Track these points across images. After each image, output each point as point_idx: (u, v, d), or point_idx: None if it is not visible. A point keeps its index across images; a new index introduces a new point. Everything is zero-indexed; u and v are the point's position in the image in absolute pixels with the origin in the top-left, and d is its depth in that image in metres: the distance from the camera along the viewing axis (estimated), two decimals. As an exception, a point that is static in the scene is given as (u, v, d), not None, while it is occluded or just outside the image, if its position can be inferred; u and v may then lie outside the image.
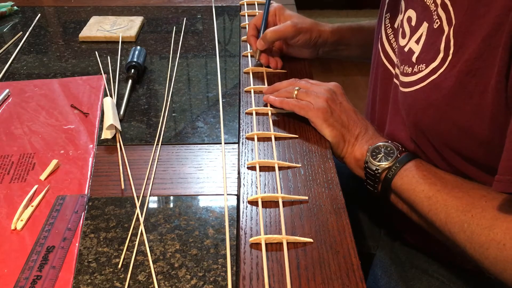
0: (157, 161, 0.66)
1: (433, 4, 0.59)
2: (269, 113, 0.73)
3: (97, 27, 1.00)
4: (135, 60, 0.85)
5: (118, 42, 0.97)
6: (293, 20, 0.84)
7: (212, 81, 0.85)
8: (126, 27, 1.01)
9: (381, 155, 0.63)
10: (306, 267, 0.50)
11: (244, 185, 0.61)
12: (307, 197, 0.58)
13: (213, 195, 0.61)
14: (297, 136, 0.69)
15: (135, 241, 0.54)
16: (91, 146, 0.68)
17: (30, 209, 0.58)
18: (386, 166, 0.62)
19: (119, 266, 0.51)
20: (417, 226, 0.64)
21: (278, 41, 0.86)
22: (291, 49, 0.89)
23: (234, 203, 0.59)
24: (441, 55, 0.56)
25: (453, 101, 0.55)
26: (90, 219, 0.57)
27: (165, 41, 0.98)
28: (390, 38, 0.71)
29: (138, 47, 0.89)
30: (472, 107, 0.54)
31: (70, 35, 1.01)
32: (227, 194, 0.61)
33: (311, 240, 0.53)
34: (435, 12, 0.58)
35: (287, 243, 0.52)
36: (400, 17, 0.68)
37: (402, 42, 0.65)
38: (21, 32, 1.01)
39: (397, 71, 0.66)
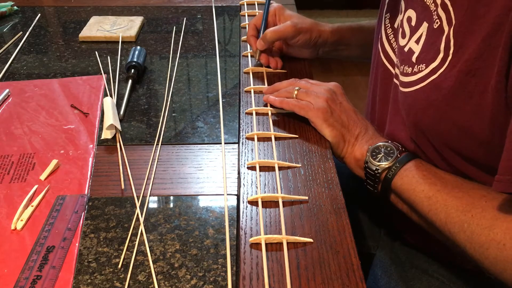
0: (157, 161, 0.66)
1: (433, 4, 0.59)
2: (269, 113, 0.73)
3: (97, 27, 1.00)
4: (135, 60, 0.85)
5: (118, 42, 0.97)
6: (293, 20, 0.84)
7: (212, 81, 0.85)
8: (126, 27, 1.01)
9: (381, 155, 0.63)
10: (306, 267, 0.50)
11: (244, 185, 0.61)
12: (307, 197, 0.58)
13: (213, 195, 0.61)
14: (297, 136, 0.69)
15: (135, 241, 0.54)
16: (91, 146, 0.68)
17: (30, 209, 0.58)
18: (386, 166, 0.62)
19: (119, 266, 0.51)
20: (417, 226, 0.64)
21: (278, 41, 0.86)
22: (291, 49, 0.89)
23: (234, 203, 0.59)
24: (441, 55, 0.56)
25: (453, 101, 0.55)
26: (90, 219, 0.57)
27: (165, 41, 0.98)
28: (390, 38, 0.71)
29: (138, 47, 0.89)
30: (472, 107, 0.54)
31: (70, 35, 1.01)
32: (227, 194, 0.61)
33: (311, 240, 0.53)
34: (435, 12, 0.58)
35: (287, 243, 0.52)
36: (400, 17, 0.68)
37: (402, 42, 0.65)
38: (21, 32, 1.01)
39: (397, 71, 0.66)
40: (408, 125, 0.64)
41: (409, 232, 0.76)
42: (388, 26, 0.72)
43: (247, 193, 0.59)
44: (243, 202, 0.58)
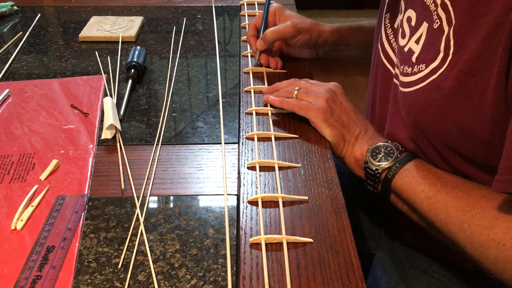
0: (157, 161, 0.66)
1: (433, 4, 0.59)
2: (269, 113, 0.73)
3: (97, 27, 1.00)
4: (135, 60, 0.85)
5: (118, 42, 0.97)
6: (293, 20, 0.84)
7: (212, 81, 0.85)
8: (126, 27, 1.01)
9: (381, 155, 0.63)
10: (306, 267, 0.50)
11: (244, 185, 0.61)
12: (307, 197, 0.58)
13: (213, 195, 0.61)
14: (297, 136, 0.69)
15: (135, 241, 0.54)
16: (91, 146, 0.68)
17: (30, 209, 0.58)
18: (386, 166, 0.62)
19: (119, 266, 0.51)
20: (417, 226, 0.64)
21: (278, 41, 0.86)
22: (291, 49, 0.89)
23: (234, 203, 0.59)
24: (441, 55, 0.56)
25: (453, 101, 0.55)
26: (90, 219, 0.57)
27: (165, 41, 0.98)
28: (390, 38, 0.71)
29: (138, 47, 0.89)
30: (472, 107, 0.54)
31: (70, 35, 1.01)
32: (227, 194, 0.61)
33: (311, 240, 0.53)
34: (435, 12, 0.58)
35: (287, 243, 0.52)
36: (400, 17, 0.68)
37: (402, 42, 0.65)
38: (21, 32, 1.01)
39: (397, 71, 0.66)
40: (408, 125, 0.64)
41: (409, 232, 0.76)
42: (388, 26, 0.72)
43: (247, 193, 0.59)
44: (243, 202, 0.58)
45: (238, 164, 0.65)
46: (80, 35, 0.98)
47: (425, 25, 0.61)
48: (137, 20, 1.04)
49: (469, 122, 0.55)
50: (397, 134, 0.67)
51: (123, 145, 0.69)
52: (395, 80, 0.68)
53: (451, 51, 0.55)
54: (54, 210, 0.58)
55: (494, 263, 0.50)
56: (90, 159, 0.66)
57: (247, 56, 0.90)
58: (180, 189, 0.62)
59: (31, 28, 1.03)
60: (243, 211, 0.57)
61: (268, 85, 0.80)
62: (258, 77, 0.84)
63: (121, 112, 0.75)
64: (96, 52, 0.94)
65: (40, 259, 0.51)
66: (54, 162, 0.64)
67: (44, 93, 0.80)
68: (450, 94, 0.55)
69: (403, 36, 0.65)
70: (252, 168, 0.63)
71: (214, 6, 1.13)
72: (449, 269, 0.72)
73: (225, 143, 0.69)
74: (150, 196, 0.60)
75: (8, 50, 0.95)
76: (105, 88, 0.82)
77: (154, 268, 0.51)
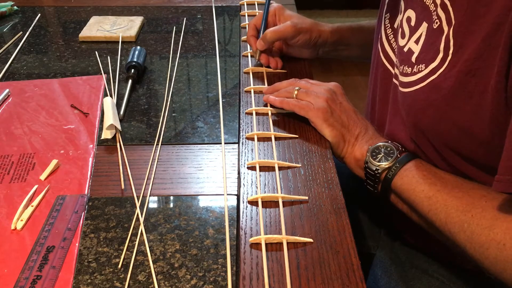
0: (157, 161, 0.66)
1: (432, 4, 0.59)
2: (269, 113, 0.73)
3: (97, 27, 1.00)
4: (135, 60, 0.85)
5: (118, 42, 0.97)
6: (293, 20, 0.84)
7: (212, 81, 0.85)
8: (126, 27, 1.01)
9: (381, 155, 0.63)
10: (306, 267, 0.50)
11: (244, 185, 0.61)
12: (307, 197, 0.58)
13: (213, 195, 0.61)
14: (297, 136, 0.69)
15: (135, 241, 0.54)
16: (91, 146, 0.68)
17: (30, 209, 0.58)
18: (386, 166, 0.62)
19: (119, 266, 0.51)
20: (417, 226, 0.64)
21: (278, 41, 0.86)
22: (291, 49, 0.89)
23: (234, 203, 0.59)
24: (440, 55, 0.56)
25: (453, 101, 0.55)
26: (90, 219, 0.57)
27: (165, 41, 0.98)
28: (390, 38, 0.71)
29: (138, 47, 0.89)
30: (472, 107, 0.54)
31: (70, 35, 1.01)
32: (227, 194, 0.61)
33: (311, 240, 0.53)
34: (435, 12, 0.58)
35: (287, 243, 0.52)
36: (399, 17, 0.68)
37: (402, 42, 0.65)
38: (21, 32, 1.01)
39: (397, 71, 0.66)
40: (408, 125, 0.64)
41: (409, 232, 0.76)
42: (388, 26, 0.72)
43: (247, 193, 0.59)
44: (243, 202, 0.58)
45: (238, 164, 0.65)
46: (80, 35, 0.98)
47: (424, 25, 0.61)
48: (137, 20, 1.04)
49: (469, 122, 0.55)
50: (397, 134, 0.67)
51: (123, 145, 0.69)
52: (394, 80, 0.68)
53: (450, 51, 0.55)
54: (54, 210, 0.58)
55: (494, 263, 0.50)
56: (90, 159, 0.66)
57: (247, 56, 0.90)
58: (180, 189, 0.62)
59: (31, 28, 1.03)
60: (243, 211, 0.57)
61: (268, 85, 0.80)
62: (258, 77, 0.84)
63: (121, 112, 0.75)
64: (96, 52, 0.94)
65: (40, 259, 0.51)
66: (54, 162, 0.64)
67: (44, 93, 0.80)
68: (450, 94, 0.55)
69: (403, 36, 0.65)
70: (252, 168, 0.63)
71: (214, 6, 1.13)
72: (449, 269, 0.72)
73: (225, 143, 0.69)
74: (150, 196, 0.60)
75: (8, 50, 0.95)
76: (105, 88, 0.82)
77: (154, 268, 0.51)
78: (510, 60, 0.49)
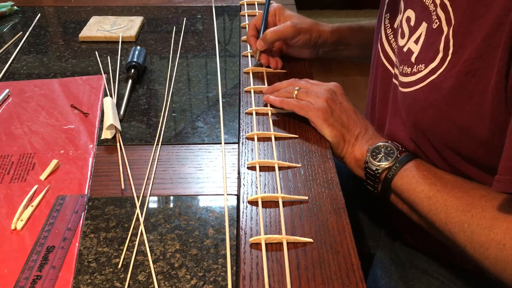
0: (157, 161, 0.66)
1: (432, 4, 0.59)
2: (269, 113, 0.73)
3: (97, 27, 1.00)
4: (135, 60, 0.85)
5: (118, 42, 0.97)
6: (293, 20, 0.84)
7: (212, 81, 0.85)
8: (126, 27, 1.01)
9: (381, 155, 0.63)
10: (306, 267, 0.50)
11: (244, 185, 0.61)
12: (307, 197, 0.58)
13: (213, 195, 0.61)
14: (297, 136, 0.69)
15: (135, 241, 0.54)
16: (91, 146, 0.68)
17: (30, 209, 0.58)
18: (386, 166, 0.62)
19: (119, 266, 0.51)
20: (417, 226, 0.64)
21: (278, 42, 0.86)
22: (291, 49, 0.89)
23: (234, 203, 0.59)
24: (440, 55, 0.56)
25: (453, 101, 0.55)
26: (90, 219, 0.57)
27: (165, 41, 0.98)
28: (390, 38, 0.71)
29: (138, 47, 0.89)
30: (472, 107, 0.54)
31: (70, 35, 1.01)
32: (227, 194, 0.61)
33: (311, 240, 0.53)
34: (434, 12, 0.58)
35: (287, 243, 0.52)
36: (399, 17, 0.68)
37: (401, 42, 0.65)
38: (21, 32, 1.01)
39: (397, 71, 0.66)
40: (408, 125, 0.64)
41: (409, 232, 0.76)
42: (387, 26, 0.72)
43: (247, 193, 0.59)
44: (243, 202, 0.58)
45: (238, 164, 0.65)
46: (80, 35, 0.98)
47: (424, 25, 0.61)
48: (137, 20, 1.04)
49: (469, 122, 0.55)
50: (397, 134, 0.67)
51: (123, 145, 0.69)
52: (394, 80, 0.68)
53: (450, 51, 0.55)
54: (54, 210, 0.58)
55: (494, 263, 0.50)
56: (90, 159, 0.66)
57: (247, 56, 0.90)
58: (180, 189, 0.62)
59: (31, 28, 1.03)
60: (243, 211, 0.57)
61: (268, 85, 0.80)
62: (258, 77, 0.84)
63: (121, 112, 0.75)
64: (96, 52, 0.94)
65: (40, 259, 0.51)
66: (54, 162, 0.64)
67: (44, 93, 0.80)
68: (449, 94, 0.55)
69: (402, 36, 0.65)
70: (252, 168, 0.63)
71: (214, 6, 1.13)
72: (449, 269, 0.72)
73: (225, 143, 0.69)
74: (150, 196, 0.60)
75: (8, 50, 0.95)
76: (105, 88, 0.82)
77: (154, 268, 0.51)
78: (510, 60, 0.49)
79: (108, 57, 0.92)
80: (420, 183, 0.59)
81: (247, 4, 1.11)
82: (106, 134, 0.70)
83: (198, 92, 0.82)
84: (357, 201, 0.83)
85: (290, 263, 0.50)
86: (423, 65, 0.59)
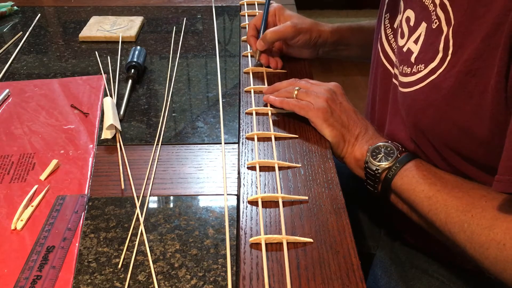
0: (157, 161, 0.66)
1: (431, 4, 0.59)
2: (269, 113, 0.73)
3: (97, 27, 1.00)
4: (135, 60, 0.85)
5: (118, 42, 0.97)
6: (293, 20, 0.84)
7: (212, 81, 0.85)
8: (126, 27, 1.01)
9: (381, 155, 0.63)
10: (306, 267, 0.50)
11: (244, 185, 0.61)
12: (307, 197, 0.58)
13: (213, 195, 0.61)
14: (297, 136, 0.69)
15: (135, 241, 0.54)
16: (91, 146, 0.68)
17: (30, 209, 0.58)
18: (386, 166, 0.62)
19: (119, 266, 0.51)
20: (417, 226, 0.64)
21: (278, 41, 0.86)
22: (291, 49, 0.89)
23: (234, 203, 0.59)
24: (440, 55, 0.56)
25: (453, 101, 0.55)
26: (90, 219, 0.57)
27: (165, 41, 0.98)
28: (390, 38, 0.71)
29: (138, 47, 0.89)
30: (472, 107, 0.54)
31: (70, 35, 1.01)
32: (227, 194, 0.61)
33: (311, 240, 0.53)
34: (434, 12, 0.58)
35: (287, 243, 0.52)
36: (399, 17, 0.68)
37: (401, 42, 0.65)
38: (21, 32, 1.01)
39: (396, 71, 0.66)
40: (407, 125, 0.64)
41: (409, 232, 0.76)
42: (387, 26, 0.72)
43: (247, 193, 0.59)
44: (243, 202, 0.58)
45: (238, 164, 0.65)
46: (80, 35, 0.98)
47: (423, 25, 0.61)
48: (137, 20, 1.04)
49: (469, 122, 0.55)
50: (397, 134, 0.67)
51: (123, 145, 0.69)
52: (394, 80, 0.68)
53: (450, 51, 0.55)
54: (54, 210, 0.58)
55: (494, 263, 0.50)
56: (90, 159, 0.66)
57: (247, 56, 0.90)
58: (180, 189, 0.62)
59: (31, 28, 1.03)
60: (243, 211, 0.57)
61: (268, 85, 0.80)
62: (258, 77, 0.84)
63: (121, 112, 0.75)
64: (96, 52, 0.94)
65: (40, 259, 0.51)
66: (54, 162, 0.64)
67: (44, 93, 0.80)
68: (449, 94, 0.55)
69: (402, 36, 0.65)
70: (252, 168, 0.63)
71: (214, 6, 1.13)
72: (449, 269, 0.72)
73: (225, 143, 0.69)
74: (150, 196, 0.60)
75: (8, 50, 0.95)
76: (105, 88, 0.82)
77: (154, 268, 0.51)
78: (510, 60, 0.49)
79: (108, 57, 0.92)
80: (420, 183, 0.59)
81: (247, 4, 1.11)
82: (106, 134, 0.70)
83: (198, 92, 0.82)
84: (357, 201, 0.83)
85: (290, 263, 0.50)
86: (423, 65, 0.59)
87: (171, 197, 0.61)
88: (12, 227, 0.56)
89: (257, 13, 1.05)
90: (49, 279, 0.49)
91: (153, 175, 0.64)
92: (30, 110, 0.76)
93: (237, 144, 0.69)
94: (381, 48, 0.73)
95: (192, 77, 0.86)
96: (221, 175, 0.64)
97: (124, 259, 0.52)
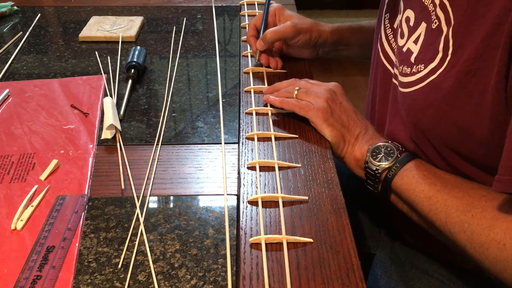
0: (157, 161, 0.66)
1: (431, 4, 0.59)
2: (269, 113, 0.73)
3: (97, 27, 1.00)
4: (135, 60, 0.85)
5: (118, 42, 0.97)
6: (293, 20, 0.84)
7: (212, 81, 0.85)
8: (126, 27, 1.01)
9: (381, 155, 0.63)
10: (306, 267, 0.50)
11: (244, 185, 0.61)
12: (307, 197, 0.58)
13: (213, 195, 0.61)
14: (297, 136, 0.69)
15: (135, 241, 0.54)
16: (91, 146, 0.68)
17: (30, 209, 0.58)
18: (386, 166, 0.62)
19: (119, 266, 0.51)
20: (417, 226, 0.64)
21: (278, 42, 0.86)
22: (291, 49, 0.89)
23: (234, 203, 0.59)
24: (439, 55, 0.56)
25: (453, 101, 0.55)
26: (90, 219, 0.57)
27: (165, 41, 0.98)
28: (390, 38, 0.71)
29: (138, 47, 0.89)
30: (472, 107, 0.54)
31: (70, 35, 1.01)
32: (227, 194, 0.61)
33: (311, 240, 0.53)
34: (434, 12, 0.58)
35: (287, 243, 0.52)
36: (399, 17, 0.68)
37: (401, 42, 0.65)
38: (21, 32, 1.01)
39: (396, 71, 0.66)
40: (407, 125, 0.64)
41: (409, 232, 0.76)
42: (387, 26, 0.72)
43: (247, 193, 0.59)
44: (243, 202, 0.58)
45: (238, 164, 0.65)
46: (80, 35, 0.98)
47: (423, 25, 0.61)
48: (137, 20, 1.04)
49: (469, 122, 0.55)
50: (397, 134, 0.67)
51: (123, 145, 0.69)
52: (394, 80, 0.68)
53: (450, 51, 0.55)
54: (54, 210, 0.58)
55: (494, 263, 0.50)
56: (90, 159, 0.66)
57: (247, 56, 0.90)
58: (180, 189, 0.62)
59: (31, 28, 1.03)
60: (243, 211, 0.57)
61: (268, 85, 0.80)
62: (258, 77, 0.84)
63: (121, 112, 0.75)
64: (96, 52, 0.94)
65: (40, 259, 0.51)
66: (54, 162, 0.64)
67: (44, 93, 0.80)
68: (449, 94, 0.55)
69: (402, 36, 0.65)
70: (252, 168, 0.63)
71: (214, 6, 1.13)
72: (449, 269, 0.72)
73: (225, 143, 0.69)
74: (150, 196, 0.60)
75: (8, 50, 0.95)
76: (105, 88, 0.82)
77: (154, 268, 0.51)
78: (510, 60, 0.49)
79: (108, 57, 0.92)
80: (420, 183, 0.59)
81: (247, 4, 1.11)
82: (106, 134, 0.70)
83: (198, 92, 0.82)
84: (357, 201, 0.83)
85: (290, 263, 0.50)
86: (423, 65, 0.59)
87: (171, 197, 0.61)
88: (12, 227, 0.56)
89: (257, 13, 1.05)
90: (49, 279, 0.49)
91: (153, 175, 0.64)
92: (30, 110, 0.76)
93: (237, 144, 0.69)
94: (381, 48, 0.73)
95: (192, 77, 0.86)
96: (221, 175, 0.64)
97: (124, 259, 0.52)
